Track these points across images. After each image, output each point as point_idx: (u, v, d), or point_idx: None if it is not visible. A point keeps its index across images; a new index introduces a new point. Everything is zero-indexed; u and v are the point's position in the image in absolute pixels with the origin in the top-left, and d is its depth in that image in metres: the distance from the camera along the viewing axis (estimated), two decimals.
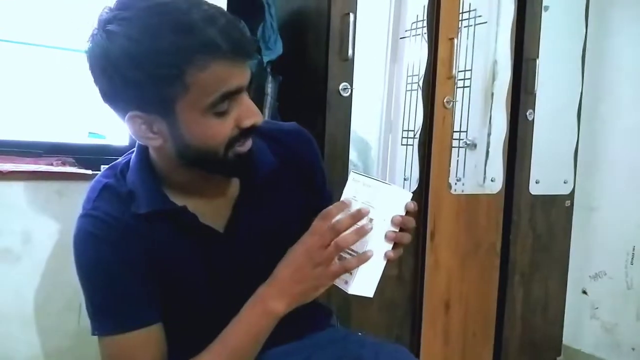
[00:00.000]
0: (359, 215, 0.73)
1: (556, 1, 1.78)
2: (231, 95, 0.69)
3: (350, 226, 0.73)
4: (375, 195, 0.75)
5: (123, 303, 0.75)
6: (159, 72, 0.64)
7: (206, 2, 0.68)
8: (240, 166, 0.76)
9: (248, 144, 0.75)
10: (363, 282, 0.76)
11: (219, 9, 0.68)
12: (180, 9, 0.64)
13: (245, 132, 0.73)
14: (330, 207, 0.75)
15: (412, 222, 0.78)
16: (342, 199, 0.78)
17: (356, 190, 0.77)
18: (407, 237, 0.79)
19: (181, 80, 0.64)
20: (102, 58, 0.66)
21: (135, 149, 0.80)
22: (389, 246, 0.77)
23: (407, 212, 0.78)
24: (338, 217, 0.74)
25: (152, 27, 0.63)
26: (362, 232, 0.73)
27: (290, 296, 0.74)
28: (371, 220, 0.74)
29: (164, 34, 0.63)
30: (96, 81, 0.69)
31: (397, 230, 0.77)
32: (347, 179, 0.79)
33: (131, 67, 0.64)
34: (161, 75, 0.64)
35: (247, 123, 0.71)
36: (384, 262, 0.77)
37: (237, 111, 0.71)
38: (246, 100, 0.72)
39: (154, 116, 0.69)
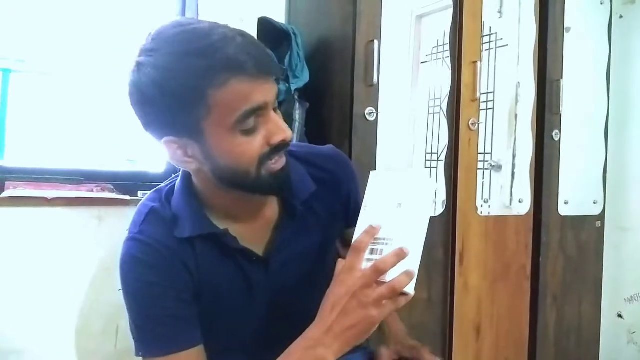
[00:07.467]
0: (402, 253, 0.68)
1: (578, 22, 1.79)
2: (256, 112, 0.68)
3: (395, 264, 0.67)
4: (397, 185, 0.74)
5: (166, 325, 0.76)
6: (184, 96, 0.66)
7: (227, 25, 0.70)
8: (275, 184, 0.74)
9: (282, 161, 0.74)
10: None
11: (239, 30, 0.70)
12: (201, 34, 0.67)
13: (275, 149, 0.72)
14: (360, 236, 0.71)
15: None
16: (365, 199, 0.76)
17: (379, 187, 0.76)
18: None
19: (204, 101, 0.66)
20: (135, 89, 0.69)
21: (180, 174, 0.83)
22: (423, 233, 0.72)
23: None
24: (382, 257, 0.68)
25: (175, 54, 0.66)
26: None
27: (343, 341, 0.68)
28: (399, 205, 0.72)
29: (185, 59, 0.65)
30: (135, 112, 0.73)
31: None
32: None
33: (158, 94, 0.67)
34: (186, 99, 0.66)
35: (275, 139, 0.71)
36: (421, 251, 0.71)
37: (265, 128, 0.71)
38: (274, 117, 0.72)
39: (186, 140, 0.71)
